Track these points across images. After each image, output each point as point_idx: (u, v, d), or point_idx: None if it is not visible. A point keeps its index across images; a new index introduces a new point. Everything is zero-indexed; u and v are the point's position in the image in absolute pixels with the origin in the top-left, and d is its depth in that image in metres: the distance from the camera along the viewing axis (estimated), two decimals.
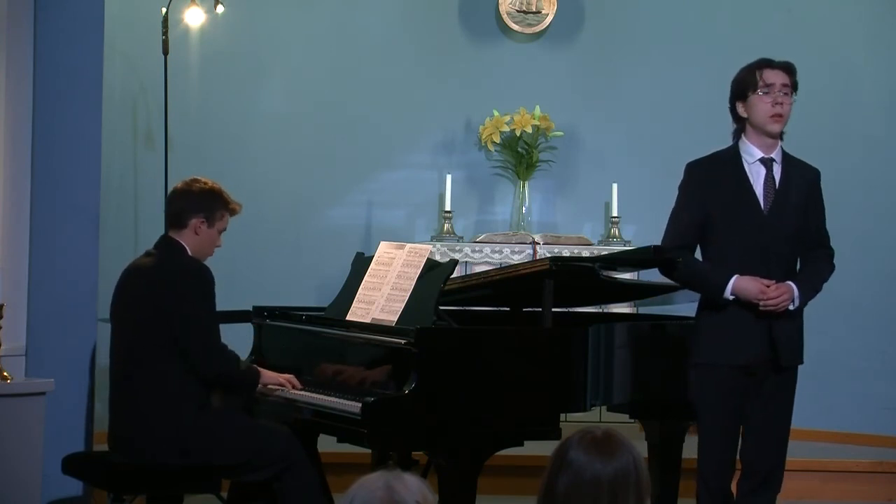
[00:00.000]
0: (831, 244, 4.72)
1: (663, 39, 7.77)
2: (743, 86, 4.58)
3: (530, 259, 7.23)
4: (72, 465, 4.86)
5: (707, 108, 7.52)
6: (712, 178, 4.61)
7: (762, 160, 4.58)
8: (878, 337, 7.31)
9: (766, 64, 4.59)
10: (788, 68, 4.59)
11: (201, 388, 4.69)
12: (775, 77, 4.55)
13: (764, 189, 4.57)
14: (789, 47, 7.49)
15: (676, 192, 4.72)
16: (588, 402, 4.60)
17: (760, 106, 4.54)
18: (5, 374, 5.01)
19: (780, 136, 4.61)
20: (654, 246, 4.73)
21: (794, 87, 4.58)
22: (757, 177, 4.58)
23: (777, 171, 4.59)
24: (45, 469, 5.04)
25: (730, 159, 4.61)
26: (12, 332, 5.15)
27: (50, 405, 5.08)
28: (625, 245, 7.48)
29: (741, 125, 4.61)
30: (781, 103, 4.53)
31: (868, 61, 7.54)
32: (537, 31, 7.83)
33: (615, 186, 7.56)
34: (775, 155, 4.60)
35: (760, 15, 7.69)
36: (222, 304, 4.78)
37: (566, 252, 7.30)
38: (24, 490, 4.95)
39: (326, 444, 5.05)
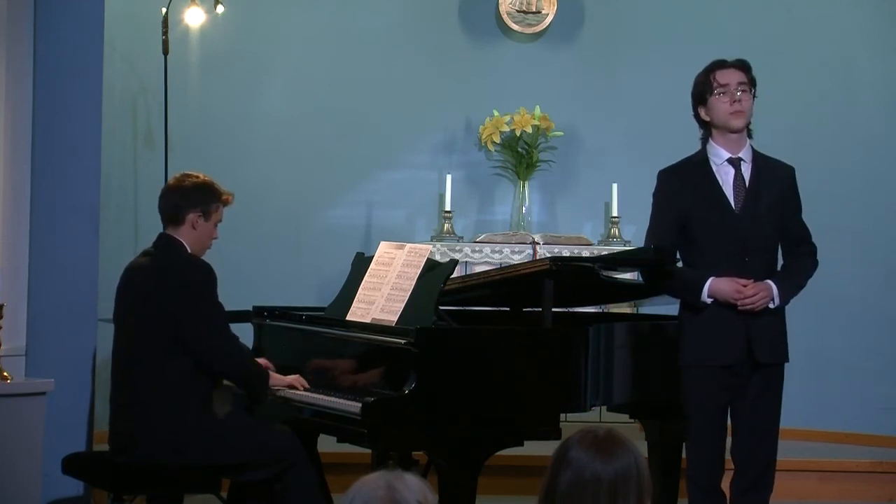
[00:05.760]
0: (813, 240, 4.71)
1: (663, 39, 7.77)
2: (700, 90, 4.63)
3: (530, 259, 7.23)
4: (72, 465, 4.86)
5: None
6: (684, 183, 4.65)
7: (730, 160, 4.61)
8: (878, 337, 7.30)
9: (718, 65, 4.63)
10: (742, 66, 4.63)
11: (202, 388, 4.69)
12: (729, 76, 4.59)
13: (734, 189, 4.59)
14: (789, 48, 7.53)
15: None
16: (588, 402, 4.60)
17: (719, 106, 4.57)
18: (5, 374, 5.01)
19: (749, 134, 4.63)
20: (654, 246, 4.74)
21: (751, 83, 4.61)
22: (726, 177, 4.61)
23: (746, 170, 4.61)
24: (45, 469, 5.05)
25: (699, 163, 4.65)
26: (12, 332, 5.16)
27: (50, 405, 5.09)
28: (625, 245, 7.48)
29: (707, 130, 4.65)
30: (740, 100, 4.55)
31: (868, 61, 7.54)
32: (537, 31, 7.83)
33: (615, 186, 7.55)
34: (744, 154, 4.63)
35: (760, 15, 7.68)
36: (223, 304, 4.77)
37: (566, 252, 7.29)
38: (24, 490, 4.95)
39: (326, 444, 5.05)
